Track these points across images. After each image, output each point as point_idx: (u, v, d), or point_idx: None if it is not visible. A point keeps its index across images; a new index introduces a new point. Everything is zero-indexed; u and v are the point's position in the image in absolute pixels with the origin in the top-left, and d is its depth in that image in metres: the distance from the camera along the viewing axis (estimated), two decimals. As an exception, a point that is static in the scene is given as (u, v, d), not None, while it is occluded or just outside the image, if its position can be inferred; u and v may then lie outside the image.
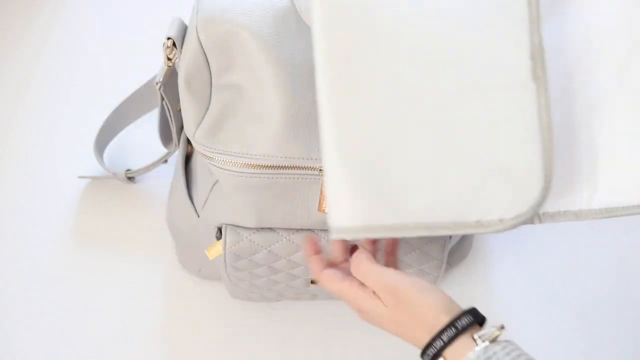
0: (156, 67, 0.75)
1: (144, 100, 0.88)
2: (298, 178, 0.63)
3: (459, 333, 0.51)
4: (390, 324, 0.56)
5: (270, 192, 0.64)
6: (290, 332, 0.84)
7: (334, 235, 0.53)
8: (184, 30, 0.67)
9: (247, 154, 0.62)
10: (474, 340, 0.51)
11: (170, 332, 0.84)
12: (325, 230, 0.67)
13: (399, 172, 0.53)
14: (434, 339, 0.52)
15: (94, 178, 0.91)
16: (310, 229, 0.67)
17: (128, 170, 0.89)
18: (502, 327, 0.52)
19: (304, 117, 0.61)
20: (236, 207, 0.67)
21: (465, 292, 0.86)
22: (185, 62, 0.64)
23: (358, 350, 0.84)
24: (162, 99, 0.72)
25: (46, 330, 0.83)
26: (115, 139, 0.93)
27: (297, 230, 0.68)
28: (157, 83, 0.70)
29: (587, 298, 0.87)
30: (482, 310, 0.55)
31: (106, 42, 1.01)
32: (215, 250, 0.69)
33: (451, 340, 0.51)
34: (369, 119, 0.52)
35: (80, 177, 0.90)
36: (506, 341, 0.51)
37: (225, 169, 0.63)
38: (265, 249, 0.68)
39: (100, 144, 0.90)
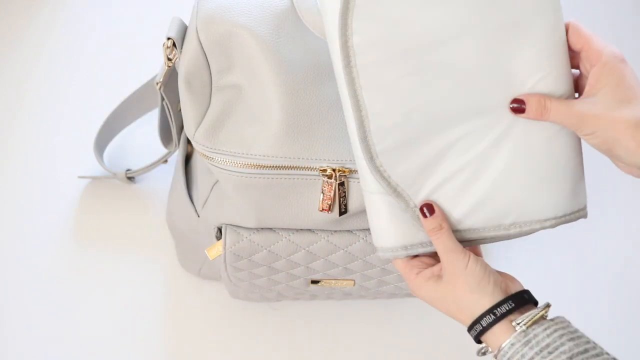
0: (156, 67, 0.75)
1: (144, 100, 0.88)
2: (298, 178, 0.63)
3: (497, 319, 0.53)
4: (440, 306, 0.57)
5: (270, 192, 0.64)
6: (289, 332, 0.84)
7: (380, 254, 0.58)
8: (183, 30, 0.67)
9: (247, 154, 0.62)
10: (513, 327, 0.52)
11: (170, 332, 0.84)
12: (324, 230, 0.67)
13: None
14: (474, 323, 0.54)
15: (94, 178, 0.91)
16: (310, 229, 0.68)
17: (128, 170, 0.89)
18: (548, 306, 0.53)
19: (303, 117, 0.61)
20: (236, 207, 0.67)
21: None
22: (185, 62, 0.64)
23: (358, 349, 0.84)
24: (162, 99, 0.72)
25: (46, 330, 0.83)
26: (115, 139, 0.93)
27: (297, 230, 0.68)
28: (157, 83, 0.70)
29: (585, 296, 0.87)
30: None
31: (106, 42, 1.01)
32: (215, 250, 0.69)
33: (489, 326, 0.53)
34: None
35: (80, 177, 0.90)
36: (550, 320, 0.52)
37: (225, 169, 0.63)
38: (265, 249, 0.68)
39: (100, 144, 0.90)
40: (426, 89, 0.54)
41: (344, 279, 0.73)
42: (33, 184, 0.91)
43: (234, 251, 0.68)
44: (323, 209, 0.64)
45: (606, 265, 0.90)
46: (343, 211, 0.64)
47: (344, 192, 0.63)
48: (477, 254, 0.60)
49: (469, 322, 0.55)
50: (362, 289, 0.75)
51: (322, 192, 0.63)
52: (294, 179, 0.63)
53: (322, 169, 0.62)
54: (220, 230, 0.69)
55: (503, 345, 0.52)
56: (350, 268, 0.70)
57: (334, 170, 0.62)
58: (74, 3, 1.04)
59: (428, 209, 0.56)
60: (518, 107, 0.54)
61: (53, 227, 0.89)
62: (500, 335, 0.53)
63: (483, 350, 0.56)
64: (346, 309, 0.86)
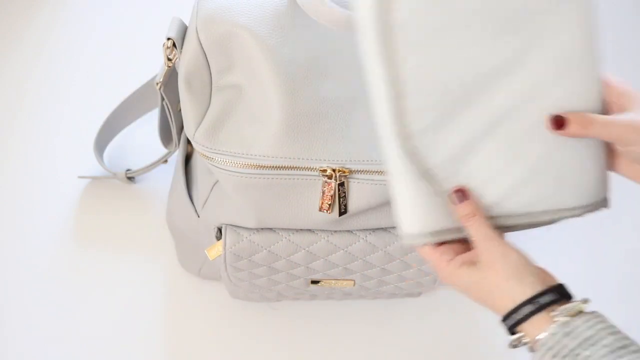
0: (156, 67, 0.75)
1: (144, 100, 0.88)
2: (298, 178, 0.63)
3: (538, 309, 0.52)
4: (474, 293, 0.55)
5: (270, 192, 0.64)
6: (289, 332, 0.84)
7: (406, 241, 0.55)
8: (183, 30, 0.67)
9: (247, 154, 0.62)
10: (552, 318, 0.51)
11: (170, 332, 0.84)
12: (324, 230, 0.67)
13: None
14: (513, 312, 0.52)
15: (94, 178, 0.91)
16: (310, 229, 0.68)
17: (128, 170, 0.89)
18: (586, 300, 0.52)
19: (304, 117, 0.61)
20: (236, 207, 0.67)
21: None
22: (185, 62, 0.64)
23: (358, 349, 0.84)
24: (162, 99, 0.72)
25: (46, 330, 0.83)
26: (115, 139, 0.93)
27: (297, 230, 0.68)
28: (157, 83, 0.70)
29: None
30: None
31: (106, 42, 1.01)
32: (215, 250, 0.69)
33: (530, 315, 0.52)
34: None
35: (80, 177, 0.90)
36: (589, 313, 0.51)
37: (225, 169, 0.63)
38: (265, 249, 0.68)
39: (100, 144, 0.90)
40: (468, 66, 0.53)
41: (344, 279, 0.73)
42: (33, 184, 0.91)
43: (234, 251, 0.68)
44: (323, 209, 0.64)
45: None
46: (343, 211, 0.64)
47: (344, 192, 0.63)
48: None
49: (506, 310, 0.53)
50: (362, 289, 0.75)
51: (322, 192, 0.63)
52: (294, 179, 0.63)
53: (322, 169, 0.62)
54: (220, 230, 0.69)
55: (543, 336, 0.51)
56: (350, 268, 0.70)
57: (333, 170, 0.62)
58: (74, 3, 1.04)
59: (461, 194, 0.54)
60: (557, 123, 0.53)
61: (53, 227, 0.89)
62: (539, 325, 0.51)
63: (520, 340, 0.53)
64: (346, 309, 0.86)
